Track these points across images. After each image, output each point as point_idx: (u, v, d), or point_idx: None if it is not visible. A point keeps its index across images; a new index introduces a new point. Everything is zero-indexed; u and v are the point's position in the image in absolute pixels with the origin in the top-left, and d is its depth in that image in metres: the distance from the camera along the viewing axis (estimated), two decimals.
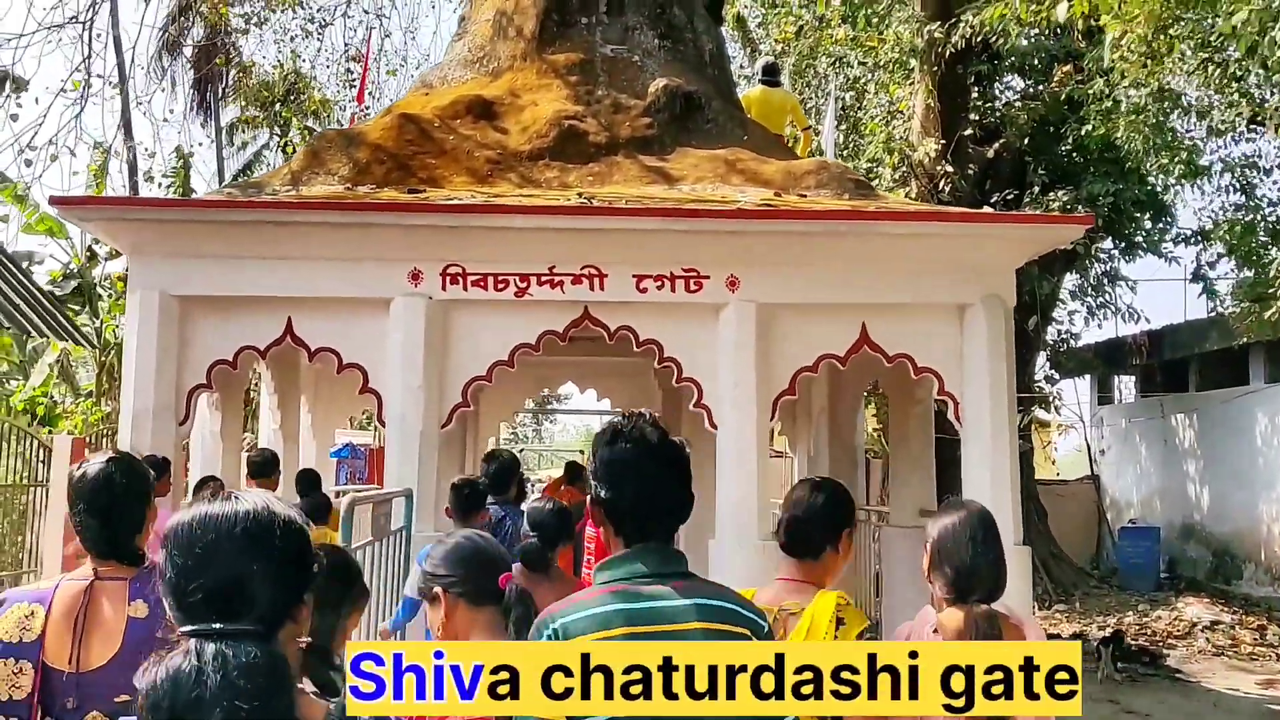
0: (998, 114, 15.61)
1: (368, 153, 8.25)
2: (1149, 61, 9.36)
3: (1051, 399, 17.43)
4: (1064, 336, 17.15)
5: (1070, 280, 16.96)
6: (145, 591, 2.85)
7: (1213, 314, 16.63)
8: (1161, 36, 8.79)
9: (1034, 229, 7.73)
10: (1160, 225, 15.46)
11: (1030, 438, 16.52)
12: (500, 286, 7.65)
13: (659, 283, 7.69)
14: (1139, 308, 16.48)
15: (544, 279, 7.66)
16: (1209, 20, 8.77)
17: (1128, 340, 17.29)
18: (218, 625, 1.67)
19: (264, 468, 8.39)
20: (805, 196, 8.12)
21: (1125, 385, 19.46)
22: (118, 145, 19.88)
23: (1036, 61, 15.39)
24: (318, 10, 20.04)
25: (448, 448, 8.62)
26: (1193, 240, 16.54)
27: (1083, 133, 12.76)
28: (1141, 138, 11.04)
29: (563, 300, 7.68)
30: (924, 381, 9.12)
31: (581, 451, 32.13)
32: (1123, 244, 16.51)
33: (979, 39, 13.39)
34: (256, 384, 12.87)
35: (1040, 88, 15.54)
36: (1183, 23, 8.72)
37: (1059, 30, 14.74)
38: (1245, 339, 13.94)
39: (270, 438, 10.91)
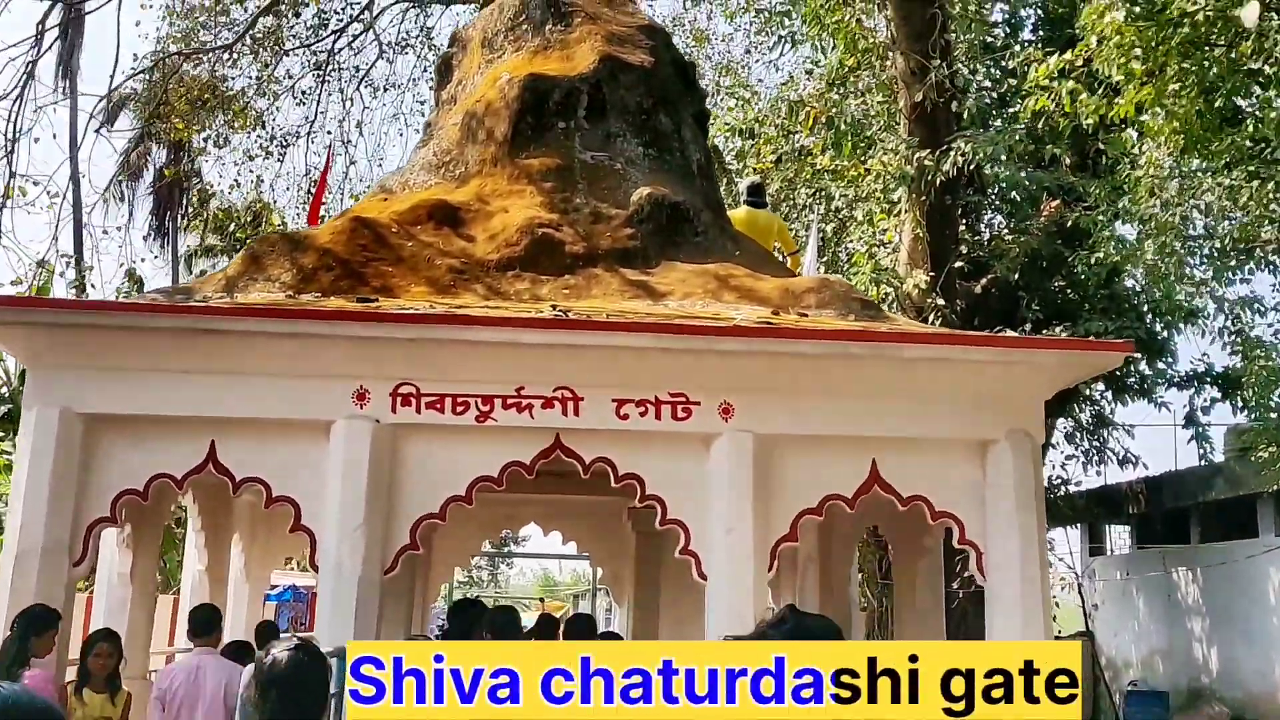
0: (986, 247, 15.00)
1: (314, 258, 7.31)
2: (1179, 174, 8.69)
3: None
4: (1056, 483, 16.25)
5: (1061, 424, 16.15)
6: None
7: (1205, 460, 15.84)
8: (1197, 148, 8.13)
9: (1067, 356, 6.86)
10: (1161, 366, 14.73)
11: None
12: (459, 409, 6.64)
13: (642, 409, 6.71)
14: (1136, 453, 15.52)
15: (510, 401, 6.66)
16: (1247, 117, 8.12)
17: (1123, 487, 16.40)
18: None
19: (208, 625, 7.09)
20: (806, 316, 7.23)
21: (1119, 535, 18.52)
22: (62, 265, 18.86)
23: (1024, 194, 14.84)
24: (279, 131, 19.28)
25: (392, 598, 7.50)
26: (1186, 383, 15.84)
27: (1091, 262, 12.07)
28: (1172, 261, 10.29)
29: (531, 427, 6.68)
30: (935, 527, 8.15)
31: (542, 599, 30.59)
32: (1112, 388, 15.79)
33: (968, 169, 12.85)
34: (183, 518, 11.65)
35: (1028, 222, 14.97)
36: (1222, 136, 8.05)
37: (1048, 162, 14.28)
38: (1258, 489, 13.08)
39: (195, 581, 9.67)
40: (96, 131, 21.01)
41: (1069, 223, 14.35)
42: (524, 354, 6.63)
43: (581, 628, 8.81)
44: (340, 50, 20.28)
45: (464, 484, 6.61)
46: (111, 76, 17.87)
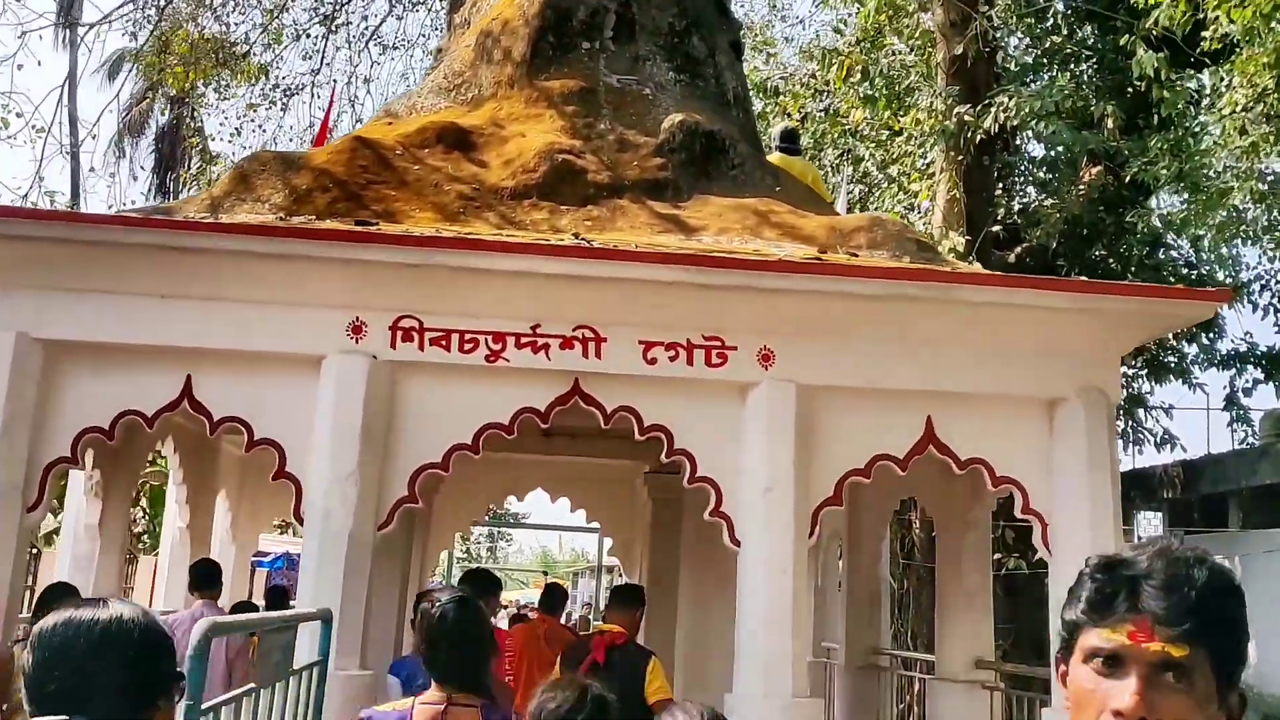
0: (1024, 213, 14.21)
1: (309, 178, 6.55)
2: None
3: None
4: None
5: None
6: (495, 717, 3.27)
7: (1245, 444, 15.06)
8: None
9: (1153, 304, 6.07)
10: (1205, 341, 13.95)
11: None
12: (468, 347, 5.89)
13: (672, 353, 5.97)
14: (1175, 435, 14.77)
15: (525, 340, 5.92)
16: None
17: (1157, 471, 15.62)
18: (64, 717, 1.76)
19: (209, 579, 7.26)
20: (855, 256, 6.47)
21: (1150, 521, 17.73)
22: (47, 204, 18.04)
23: (1064, 158, 14.05)
24: (283, 80, 18.47)
25: (387, 559, 6.77)
26: (1228, 363, 15.09)
27: (1148, 221, 11.28)
28: (1236, 226, 9.51)
29: (547, 369, 5.93)
30: (982, 498, 7.41)
31: (545, 572, 29.66)
32: (1148, 366, 15.03)
33: (1010, 126, 12.07)
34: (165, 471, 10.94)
35: (1068, 187, 14.17)
36: None
37: (1094, 123, 13.48)
38: None
39: (175, 540, 8.95)
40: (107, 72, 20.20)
41: (1111, 188, 13.61)
42: (541, 286, 5.88)
43: (555, 598, 8.16)
44: (349, 1, 19.50)
45: (470, 431, 5.87)
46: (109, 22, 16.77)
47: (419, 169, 6.77)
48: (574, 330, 5.93)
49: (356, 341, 5.83)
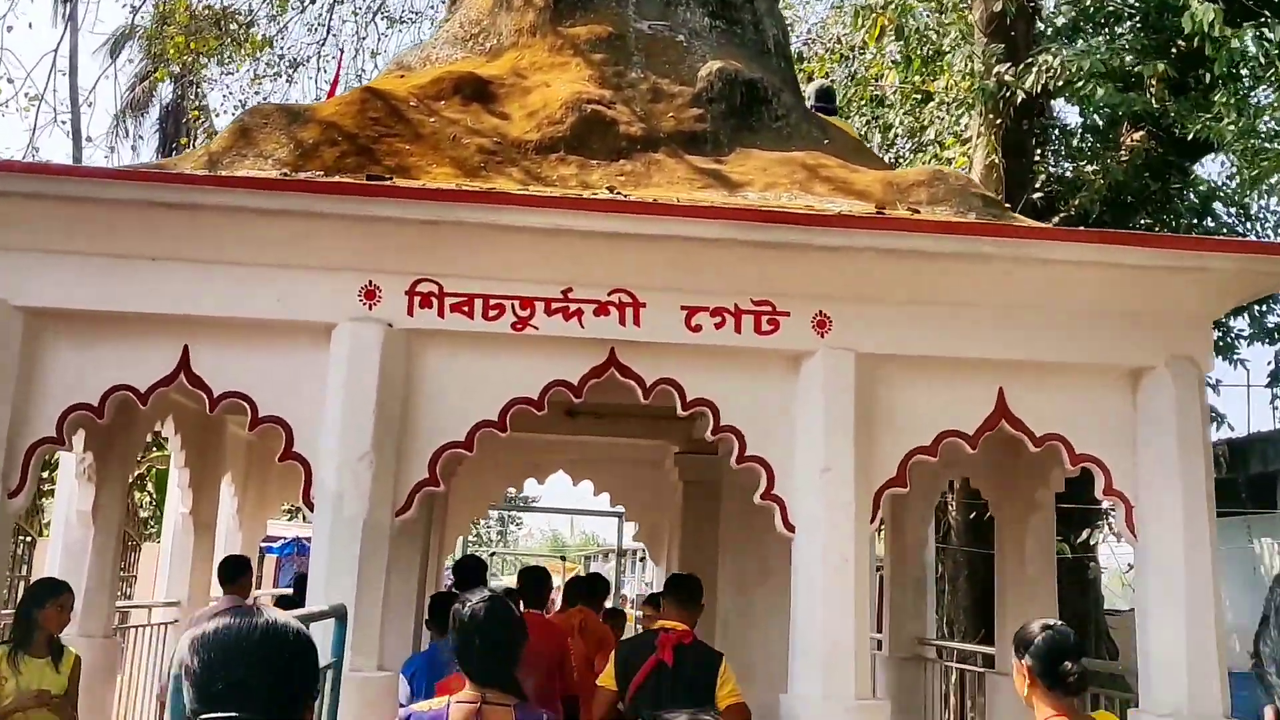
0: (1063, 180, 13.56)
1: (316, 131, 5.97)
2: None
3: (1108, 515, 15.04)
4: None
5: None
6: (529, 716, 3.30)
7: None
8: None
9: (1254, 262, 5.44)
10: (1258, 312, 13.30)
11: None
12: (492, 314, 5.32)
13: (718, 319, 5.39)
14: (1222, 412, 14.13)
15: (555, 306, 5.35)
16: None
17: None
18: (235, 714, 1.85)
19: (239, 573, 7.32)
20: (917, 213, 5.87)
21: None
22: None
23: (1106, 120, 13.39)
24: (288, 51, 17.86)
25: (404, 546, 6.23)
26: (1272, 336, 14.44)
27: (1204, 185, 10.65)
28: None
29: (580, 337, 5.36)
30: (1049, 478, 6.84)
31: (564, 558, 28.94)
32: None
33: (1054, 86, 11.43)
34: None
35: (1110, 152, 13.51)
36: None
37: (1138, 84, 12.82)
38: None
39: (178, 526, 8.41)
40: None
41: (1155, 153, 12.98)
42: (573, 246, 5.31)
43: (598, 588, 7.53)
44: None
45: (496, 406, 5.31)
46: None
47: (435, 121, 6.19)
48: (609, 294, 5.36)
49: (370, 308, 5.27)
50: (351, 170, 5.71)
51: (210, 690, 1.94)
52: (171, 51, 17.62)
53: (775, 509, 5.40)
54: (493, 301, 5.32)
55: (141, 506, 17.49)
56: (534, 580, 6.44)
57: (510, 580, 27.88)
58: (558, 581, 15.53)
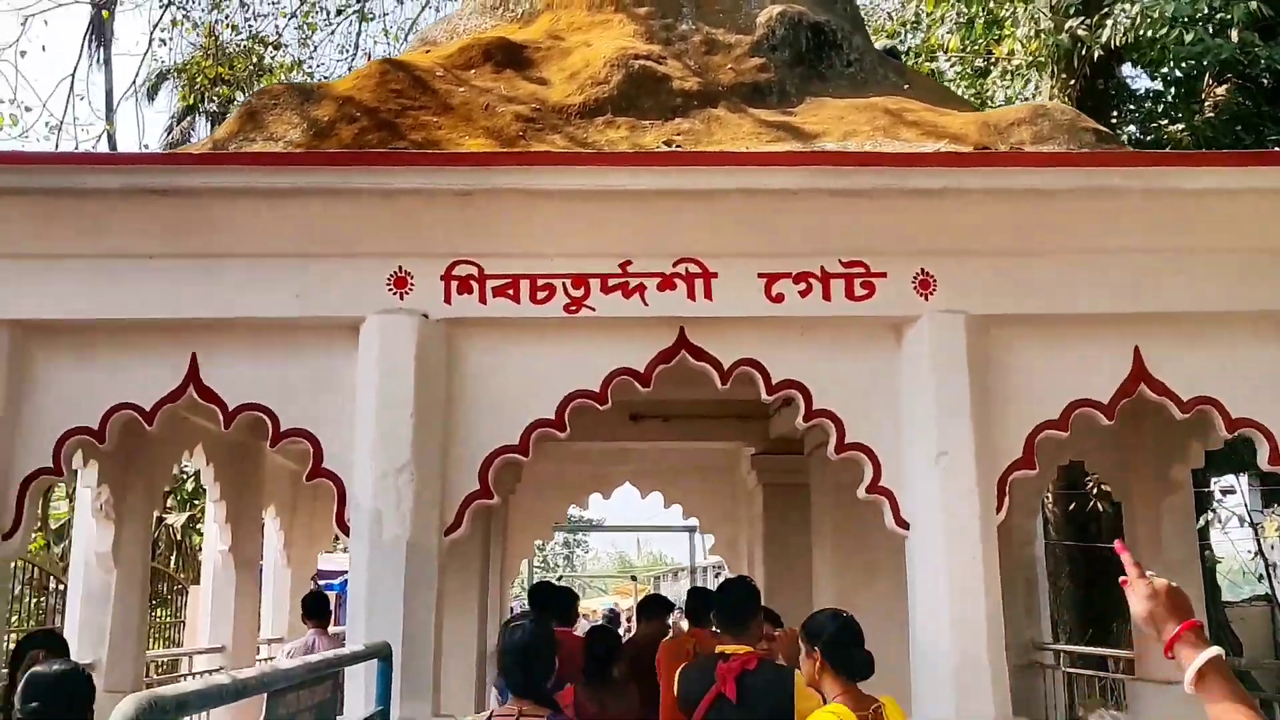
0: (1143, 141, 12.64)
1: (331, 109, 5.31)
2: None
3: (1215, 501, 13.98)
4: None
5: None
6: None
7: None
8: None
9: None
10: None
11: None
12: (541, 296, 4.59)
13: (803, 285, 4.63)
14: None
15: (613, 282, 4.61)
16: None
17: None
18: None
19: (321, 608, 7.21)
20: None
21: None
22: None
23: (1188, 73, 12.45)
24: (318, 67, 17.45)
25: (458, 572, 5.51)
26: None
27: None
28: None
29: (644, 317, 4.62)
30: (1185, 453, 5.98)
31: (634, 579, 28.01)
32: None
33: (1131, 38, 10.55)
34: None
35: (1193, 107, 12.57)
36: None
37: (1220, 29, 11.88)
38: None
39: (217, 566, 7.75)
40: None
41: (1243, 105, 12.04)
42: (630, 211, 4.57)
43: (700, 604, 6.59)
44: None
45: (553, 403, 4.58)
46: (150, 42, 15.76)
47: (465, 91, 5.50)
48: (675, 265, 4.62)
49: (401, 297, 4.57)
50: (373, 148, 5.03)
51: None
52: (202, 80, 17.28)
53: (884, 503, 4.61)
54: (541, 282, 4.59)
55: (189, 545, 17.04)
56: (560, 599, 6.62)
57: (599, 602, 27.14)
58: (630, 604, 14.79)
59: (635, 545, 52.40)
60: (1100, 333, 4.75)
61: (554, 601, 6.46)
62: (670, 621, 7.23)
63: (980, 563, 4.45)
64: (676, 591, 28.18)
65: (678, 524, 13.55)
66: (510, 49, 5.81)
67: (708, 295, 4.62)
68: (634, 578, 30.27)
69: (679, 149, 4.79)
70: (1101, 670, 7.85)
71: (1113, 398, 4.73)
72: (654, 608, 6.98)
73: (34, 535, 13.07)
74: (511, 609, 14.75)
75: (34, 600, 9.48)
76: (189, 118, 28.84)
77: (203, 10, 17.65)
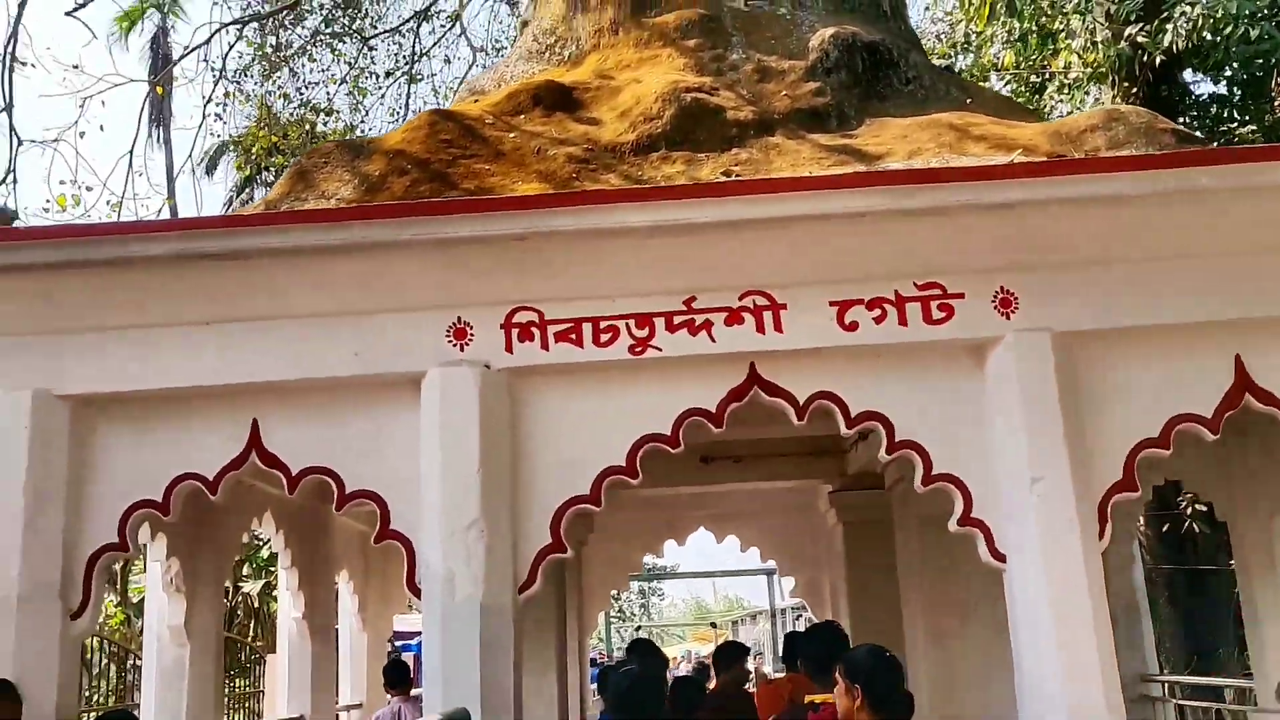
0: (1214, 142, 12.25)
1: (382, 163, 5.23)
2: None
3: None
4: None
5: None
6: None
7: None
8: None
9: None
10: None
11: None
12: (605, 339, 4.44)
13: (877, 311, 4.43)
14: None
15: (679, 320, 4.44)
16: None
17: None
18: None
19: (402, 677, 8.04)
20: None
21: None
22: None
23: (1252, 74, 12.08)
24: (369, 129, 17.61)
25: (535, 630, 5.32)
26: None
27: None
28: None
29: (713, 354, 4.44)
30: None
31: (714, 625, 27.71)
32: None
33: (1193, 41, 10.24)
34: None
35: (1263, 109, 12.18)
36: None
37: None
38: None
39: (292, 633, 7.65)
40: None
41: None
42: (692, 245, 4.40)
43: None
44: (427, 54, 18.67)
45: (623, 449, 4.40)
46: (204, 114, 15.99)
47: (515, 136, 5.40)
48: (741, 299, 4.44)
49: (461, 349, 4.44)
50: (425, 199, 4.93)
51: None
52: (258, 151, 17.55)
53: (978, 535, 4.36)
54: (603, 324, 4.44)
55: (276, 616, 17.00)
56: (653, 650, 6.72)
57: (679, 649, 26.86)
58: (708, 650, 14.51)
59: (711, 589, 51.89)
60: (1197, 342, 4.48)
61: (649, 651, 6.32)
62: (749, 666, 7.05)
63: (1087, 594, 4.18)
64: (755, 635, 27.72)
65: (756, 567, 13.23)
66: (559, 91, 5.71)
67: (777, 328, 4.44)
68: (714, 624, 29.86)
69: (739, 179, 4.62)
70: (1217, 700, 7.45)
71: (1216, 410, 4.45)
72: (731, 655, 6.75)
73: (115, 611, 13.13)
74: (593, 659, 14.60)
75: (116, 676, 9.46)
76: (247, 189, 29.34)
77: (255, 82, 18.03)
